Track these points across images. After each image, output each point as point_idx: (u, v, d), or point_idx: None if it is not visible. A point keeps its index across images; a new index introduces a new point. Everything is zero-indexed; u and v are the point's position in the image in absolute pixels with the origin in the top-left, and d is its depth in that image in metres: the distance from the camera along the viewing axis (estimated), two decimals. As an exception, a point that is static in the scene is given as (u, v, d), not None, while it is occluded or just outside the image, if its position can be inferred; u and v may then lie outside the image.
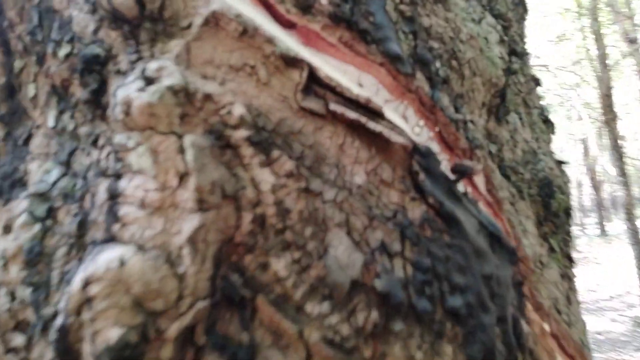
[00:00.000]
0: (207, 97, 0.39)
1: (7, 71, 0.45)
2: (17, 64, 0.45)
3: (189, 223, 0.36)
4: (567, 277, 0.69)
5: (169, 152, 0.37)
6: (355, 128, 0.42)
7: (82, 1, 0.41)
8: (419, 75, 0.47)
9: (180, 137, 0.37)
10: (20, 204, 0.40)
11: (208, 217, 0.36)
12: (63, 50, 0.43)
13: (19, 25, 0.44)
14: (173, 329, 0.36)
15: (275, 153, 0.40)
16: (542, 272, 0.62)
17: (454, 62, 0.52)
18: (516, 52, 0.64)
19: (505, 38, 0.61)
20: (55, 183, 0.41)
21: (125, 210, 0.38)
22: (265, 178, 0.39)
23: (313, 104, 0.42)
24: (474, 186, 0.50)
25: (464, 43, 0.54)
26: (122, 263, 0.35)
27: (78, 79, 0.42)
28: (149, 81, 0.38)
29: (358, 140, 0.42)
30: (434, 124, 0.47)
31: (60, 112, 0.43)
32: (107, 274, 0.35)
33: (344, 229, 0.39)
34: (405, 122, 0.46)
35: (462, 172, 0.45)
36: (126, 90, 0.37)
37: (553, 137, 0.82)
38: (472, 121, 0.53)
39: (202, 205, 0.36)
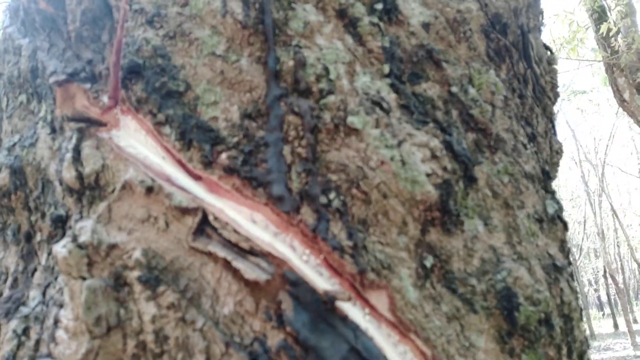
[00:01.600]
0: (113, 246, 0.52)
1: (28, 223, 0.64)
2: (32, 217, 0.64)
3: (82, 348, 0.48)
4: None
5: (77, 292, 0.50)
6: (229, 264, 0.50)
7: (57, 176, 0.59)
8: (305, 209, 0.54)
9: (84, 280, 0.50)
10: (13, 322, 0.57)
11: (95, 344, 0.48)
12: (50, 211, 0.60)
13: (35, 192, 0.64)
14: None
15: (161, 288, 0.50)
16: (500, 391, 0.58)
17: (355, 191, 0.56)
18: (463, 162, 0.65)
19: (442, 153, 0.62)
20: (34, 308, 0.57)
21: (59, 333, 0.51)
22: (148, 310, 0.49)
23: (200, 244, 0.52)
24: (373, 308, 0.53)
25: (374, 169, 0.58)
26: (40, 376, 0.48)
27: (53, 232, 0.58)
28: (74, 238, 0.52)
29: (231, 275, 0.50)
30: (319, 253, 0.53)
31: (49, 254, 0.60)
32: (30, 384, 0.48)
33: (204, 355, 0.47)
34: (294, 252, 0.53)
35: (329, 300, 0.49)
36: (56, 246, 0.51)
37: (563, 235, 0.76)
38: (380, 242, 0.56)
39: (91, 334, 0.48)
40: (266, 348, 0.47)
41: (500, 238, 0.66)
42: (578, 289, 0.75)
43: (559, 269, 0.69)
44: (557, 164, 1.02)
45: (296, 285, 0.49)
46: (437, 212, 0.62)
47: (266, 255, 0.51)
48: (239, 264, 0.49)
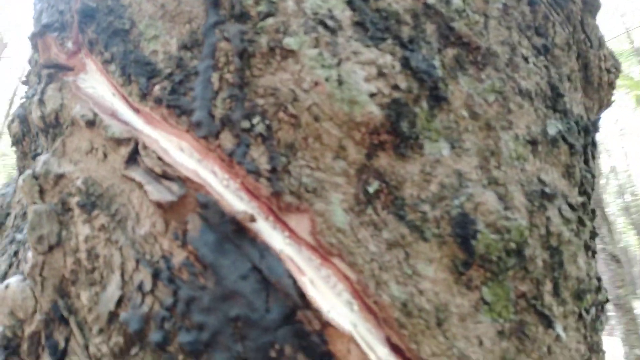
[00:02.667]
0: (61, 176, 0.57)
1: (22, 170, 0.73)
2: (26, 163, 0.72)
3: (29, 264, 0.54)
4: (515, 334, 0.54)
5: (29, 216, 0.56)
6: (150, 188, 0.53)
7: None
8: (225, 134, 0.53)
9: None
10: (12, 247, 0.66)
11: (39, 259, 0.54)
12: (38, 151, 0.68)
13: (35, 137, 0.72)
14: (26, 332, 0.54)
15: (95, 212, 0.54)
16: (450, 324, 0.53)
17: (282, 114, 0.54)
18: (422, 80, 0.58)
19: (393, 70, 0.57)
20: (25, 234, 0.65)
21: (28, 254, 0.59)
22: (83, 231, 0.54)
23: (129, 172, 0.55)
24: (292, 231, 0.52)
25: (307, 91, 0.55)
26: (6, 287, 0.56)
27: (37, 167, 0.66)
28: (33, 170, 0.58)
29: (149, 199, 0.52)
30: (236, 177, 0.52)
31: (40, 188, 0.68)
32: (0, 293, 0.56)
33: (120, 270, 0.51)
34: (215, 177, 0.53)
35: (233, 221, 0.49)
36: (19, 177, 0.58)
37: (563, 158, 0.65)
38: (309, 166, 0.54)
39: (36, 251, 0.54)
40: (170, 265, 0.49)
41: (471, 162, 0.59)
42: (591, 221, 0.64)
43: (549, 196, 0.60)
44: (609, 85, 0.87)
45: (206, 207, 0.50)
46: (386, 135, 0.57)
47: (184, 180, 0.52)
48: (148, 187, 0.51)
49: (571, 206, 0.62)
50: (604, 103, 0.89)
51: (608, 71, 0.88)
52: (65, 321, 0.53)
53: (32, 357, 0.54)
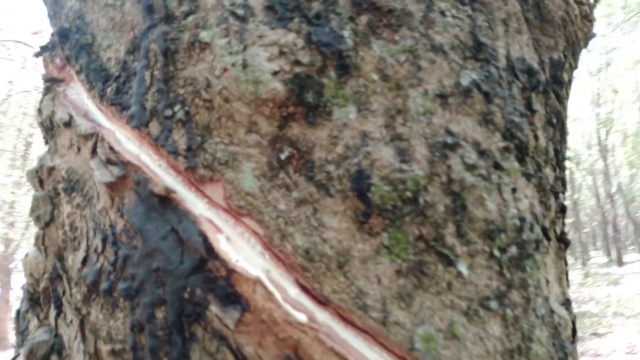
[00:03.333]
0: (52, 168, 0.73)
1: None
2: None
3: (36, 234, 0.72)
4: (412, 273, 0.60)
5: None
6: (104, 172, 0.66)
7: (45, 123, 0.83)
8: (153, 123, 0.64)
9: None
10: (43, 225, 0.85)
11: (40, 233, 0.71)
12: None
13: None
14: (41, 287, 0.72)
15: (74, 194, 0.70)
16: (351, 266, 0.60)
17: (198, 100, 0.64)
18: (323, 53, 0.63)
19: (295, 48, 0.63)
20: (49, 214, 0.84)
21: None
22: (66, 209, 0.70)
23: (90, 161, 0.69)
24: (209, 198, 0.63)
25: (219, 77, 0.64)
26: (26, 255, 0.75)
27: (50, 161, 0.84)
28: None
29: (105, 180, 0.66)
30: (163, 157, 0.64)
31: (58, 177, 0.86)
32: (23, 260, 0.75)
33: (86, 238, 0.66)
34: (151, 159, 0.66)
35: (151, 193, 0.61)
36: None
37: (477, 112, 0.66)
38: (223, 142, 0.63)
39: (38, 227, 0.71)
40: (114, 231, 0.63)
41: (377, 122, 0.64)
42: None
43: (451, 146, 0.63)
44: (584, 17, 0.84)
45: (139, 184, 0.63)
46: (294, 107, 0.64)
47: (126, 164, 0.65)
48: (97, 171, 0.64)
49: (483, 152, 0.65)
50: (578, 37, 0.85)
51: (580, 3, 0.84)
52: (61, 279, 0.70)
53: (47, 306, 0.72)
